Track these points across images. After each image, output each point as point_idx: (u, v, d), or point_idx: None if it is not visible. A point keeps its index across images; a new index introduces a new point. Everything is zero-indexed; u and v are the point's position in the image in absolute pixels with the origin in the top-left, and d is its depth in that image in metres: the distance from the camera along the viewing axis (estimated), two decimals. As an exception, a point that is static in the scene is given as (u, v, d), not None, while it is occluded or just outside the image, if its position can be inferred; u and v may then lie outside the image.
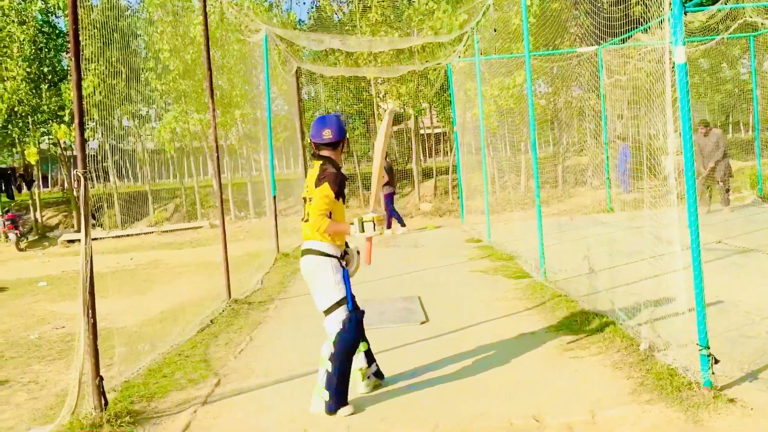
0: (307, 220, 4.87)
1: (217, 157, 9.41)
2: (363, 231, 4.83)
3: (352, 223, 4.85)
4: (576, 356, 5.62)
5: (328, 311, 4.79)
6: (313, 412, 4.75)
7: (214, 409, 5.05)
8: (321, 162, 4.89)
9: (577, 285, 8.04)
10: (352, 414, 4.70)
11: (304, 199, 4.95)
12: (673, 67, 4.61)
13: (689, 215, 4.54)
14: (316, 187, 4.77)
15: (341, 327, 4.73)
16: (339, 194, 4.82)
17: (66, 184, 27.35)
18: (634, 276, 7.85)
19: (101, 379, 4.91)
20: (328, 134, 4.89)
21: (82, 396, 4.86)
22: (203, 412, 5.01)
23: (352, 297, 4.85)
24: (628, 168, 18.27)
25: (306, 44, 16.73)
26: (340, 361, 4.71)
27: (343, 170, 5.03)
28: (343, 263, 4.87)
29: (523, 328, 6.64)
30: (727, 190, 14.59)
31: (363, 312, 4.95)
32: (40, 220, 24.14)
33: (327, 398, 4.68)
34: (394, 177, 17.23)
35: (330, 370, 4.69)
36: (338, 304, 4.77)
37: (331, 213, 4.78)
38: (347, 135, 5.04)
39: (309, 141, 5.02)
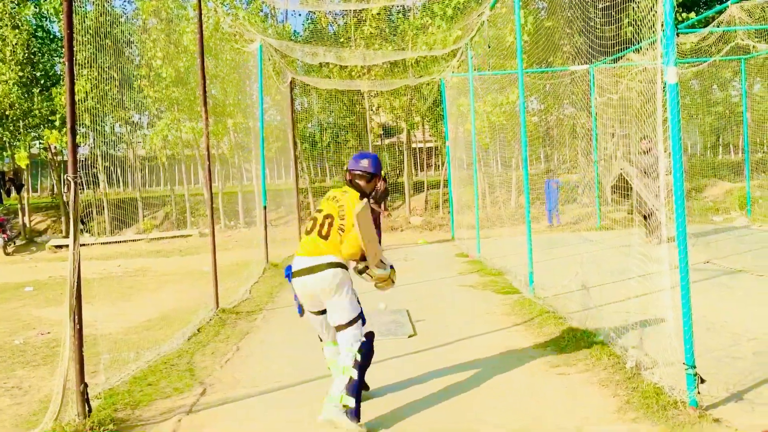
0: (325, 236, 4.86)
1: (209, 165, 9.39)
2: (359, 274, 5.09)
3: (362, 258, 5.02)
4: (563, 373, 5.62)
5: (349, 324, 4.84)
6: (322, 420, 4.63)
7: (199, 419, 5.01)
8: (354, 191, 5.02)
9: (565, 302, 8.06)
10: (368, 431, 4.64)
11: (320, 212, 4.97)
12: (664, 87, 4.65)
13: (678, 235, 4.57)
14: (355, 209, 4.84)
15: (363, 339, 4.86)
16: None
17: (55, 189, 27.20)
18: (621, 294, 7.88)
19: (86, 385, 4.87)
20: (365, 164, 5.10)
21: (66, 402, 4.81)
22: (188, 421, 4.97)
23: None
24: (556, 203, 18.75)
25: (300, 56, 16.77)
26: (362, 371, 4.77)
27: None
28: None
29: (510, 344, 6.65)
30: (645, 217, 12.17)
31: None
32: (28, 225, 23.99)
33: (352, 405, 4.60)
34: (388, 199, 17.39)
35: (355, 377, 4.67)
36: (358, 317, 4.90)
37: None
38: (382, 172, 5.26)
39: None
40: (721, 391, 4.81)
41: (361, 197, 4.96)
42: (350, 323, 4.83)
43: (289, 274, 4.95)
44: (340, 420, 4.57)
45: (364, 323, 4.95)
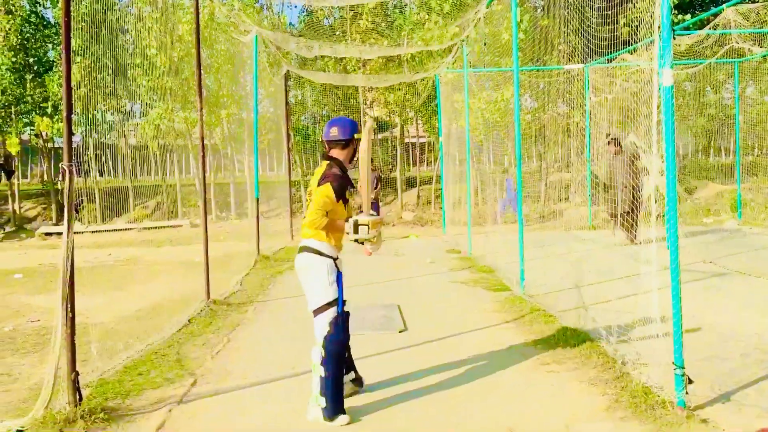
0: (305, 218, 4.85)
1: (203, 156, 9.37)
2: (357, 233, 4.78)
3: (347, 220, 4.85)
4: (552, 371, 5.65)
5: (318, 311, 4.74)
6: (311, 420, 4.68)
7: (189, 409, 5.02)
8: (328, 162, 4.95)
9: (556, 300, 8.10)
10: (348, 424, 4.61)
11: (308, 198, 4.91)
12: (659, 89, 4.67)
13: (669, 236, 4.60)
14: (318, 186, 4.79)
15: (328, 329, 4.69)
16: (340, 196, 4.81)
17: (45, 176, 27.02)
18: (612, 293, 7.93)
19: (77, 374, 4.86)
20: (335, 132, 4.96)
21: (57, 390, 4.81)
22: (178, 411, 4.98)
23: (343, 301, 4.82)
24: (511, 200, 18.77)
25: (295, 49, 16.71)
26: (331, 365, 4.66)
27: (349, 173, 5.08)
28: (339, 265, 4.89)
29: (500, 341, 6.68)
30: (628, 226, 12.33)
31: (348, 314, 4.88)
32: (18, 212, 23.86)
33: (324, 404, 4.62)
34: (380, 186, 17.44)
35: (323, 375, 4.64)
36: (329, 305, 4.72)
37: (329, 212, 4.76)
38: (355, 136, 5.02)
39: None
40: (709, 392, 4.85)
41: (324, 179, 4.79)
42: (319, 310, 4.74)
43: None
44: (316, 419, 4.64)
45: (341, 315, 4.78)
